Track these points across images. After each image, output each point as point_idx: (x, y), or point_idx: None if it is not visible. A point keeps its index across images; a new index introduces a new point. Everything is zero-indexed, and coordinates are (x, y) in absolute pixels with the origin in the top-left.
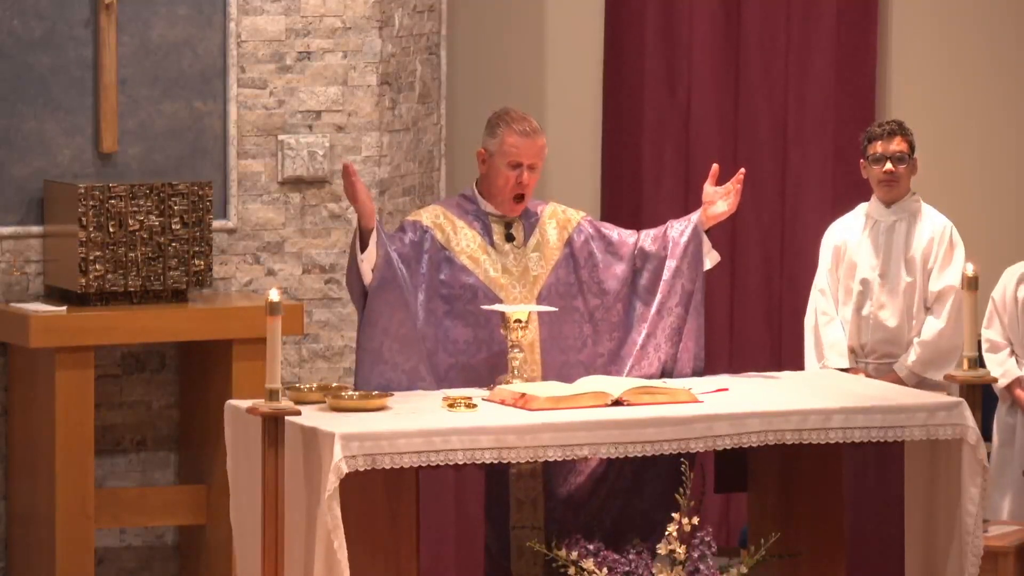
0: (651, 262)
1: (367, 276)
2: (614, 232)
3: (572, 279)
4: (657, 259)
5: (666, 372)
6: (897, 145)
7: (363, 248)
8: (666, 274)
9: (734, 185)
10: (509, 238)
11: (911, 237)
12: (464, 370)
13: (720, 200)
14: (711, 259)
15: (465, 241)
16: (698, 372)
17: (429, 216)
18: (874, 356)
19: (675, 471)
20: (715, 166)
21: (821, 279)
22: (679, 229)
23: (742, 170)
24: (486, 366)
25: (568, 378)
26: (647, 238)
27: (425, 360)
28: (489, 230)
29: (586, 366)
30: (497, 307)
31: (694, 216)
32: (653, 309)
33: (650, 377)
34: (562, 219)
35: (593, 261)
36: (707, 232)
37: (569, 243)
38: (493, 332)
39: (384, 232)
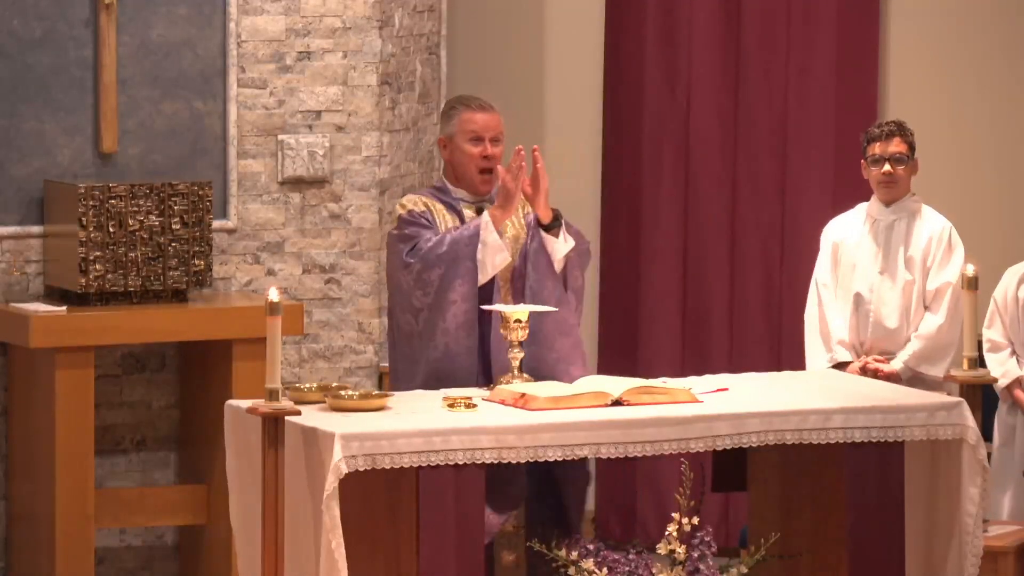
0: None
1: (488, 272)
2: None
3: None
4: (522, 271)
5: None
6: (896, 146)
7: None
8: (529, 280)
9: (524, 165)
10: None
11: (911, 236)
12: (452, 358)
13: (533, 191)
14: (566, 246)
15: (444, 227)
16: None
17: (419, 202)
18: (873, 354)
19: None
20: (502, 172)
21: (822, 273)
22: (527, 237)
23: (518, 147)
24: (468, 358)
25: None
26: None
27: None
28: (462, 217)
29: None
30: (497, 307)
31: (531, 218)
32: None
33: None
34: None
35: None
36: (555, 220)
37: (527, 227)
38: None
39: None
